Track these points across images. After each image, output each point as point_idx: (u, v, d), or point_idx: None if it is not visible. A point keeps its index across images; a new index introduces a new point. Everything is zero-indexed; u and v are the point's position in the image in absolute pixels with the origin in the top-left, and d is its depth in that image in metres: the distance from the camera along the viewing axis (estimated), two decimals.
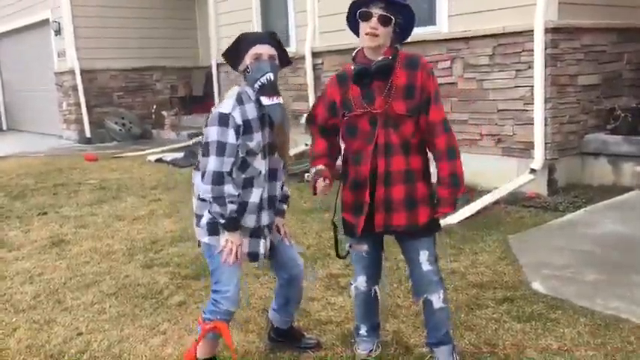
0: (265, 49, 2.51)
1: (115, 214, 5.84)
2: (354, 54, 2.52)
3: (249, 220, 2.58)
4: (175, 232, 5.06)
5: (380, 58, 2.41)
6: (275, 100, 2.47)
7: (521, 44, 5.70)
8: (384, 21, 2.37)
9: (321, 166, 2.59)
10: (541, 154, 5.59)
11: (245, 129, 2.48)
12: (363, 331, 2.79)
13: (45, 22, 12.35)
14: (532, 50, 5.53)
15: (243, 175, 2.54)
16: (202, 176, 2.47)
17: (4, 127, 15.67)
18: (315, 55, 8.05)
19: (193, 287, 3.79)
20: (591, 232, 4.38)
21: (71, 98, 11.96)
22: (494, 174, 5.92)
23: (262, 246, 2.65)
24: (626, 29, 6.15)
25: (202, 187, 2.47)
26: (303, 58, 8.18)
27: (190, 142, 10.14)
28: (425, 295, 2.57)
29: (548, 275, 3.64)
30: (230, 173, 2.47)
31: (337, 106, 2.52)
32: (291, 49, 8.50)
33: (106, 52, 11.80)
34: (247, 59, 2.51)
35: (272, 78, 2.47)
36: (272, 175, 2.63)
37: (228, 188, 2.45)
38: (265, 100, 2.47)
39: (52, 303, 3.67)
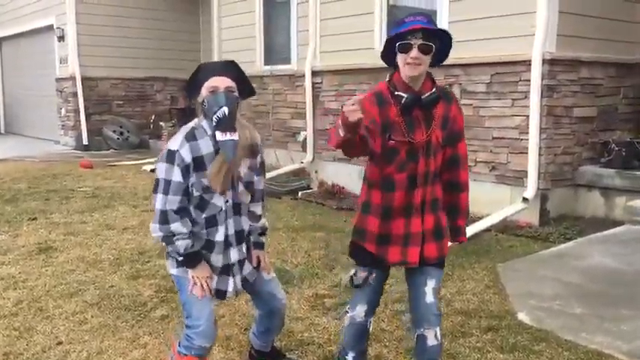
0: (222, 82, 2.40)
1: (105, 223, 5.81)
2: (389, 77, 2.46)
3: (216, 260, 2.51)
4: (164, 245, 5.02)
5: (429, 93, 2.39)
6: (228, 137, 2.36)
7: (519, 74, 5.73)
8: (424, 50, 2.33)
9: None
10: (534, 183, 5.60)
11: (197, 166, 2.39)
12: (350, 357, 2.72)
13: (49, 28, 12.42)
14: (529, 80, 5.57)
15: (204, 215, 2.46)
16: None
17: (3, 131, 15.69)
18: (314, 73, 8.09)
19: (177, 301, 3.75)
20: (580, 265, 4.37)
21: (70, 105, 11.99)
22: (487, 201, 5.91)
23: (231, 284, 2.57)
24: (623, 64, 6.20)
25: (151, 227, 2.43)
26: (302, 76, 8.22)
27: None
28: (422, 330, 2.48)
29: (534, 306, 3.62)
30: (178, 211, 2.39)
31: (375, 125, 2.35)
32: (292, 67, 8.57)
33: (108, 60, 11.86)
34: (204, 91, 2.42)
35: (226, 113, 2.35)
36: (236, 209, 2.53)
37: (175, 227, 2.38)
38: (219, 136, 2.37)
39: (34, 310, 3.64)
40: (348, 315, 2.62)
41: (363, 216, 2.51)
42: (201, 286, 2.46)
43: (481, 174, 6.09)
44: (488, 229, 5.33)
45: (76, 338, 3.26)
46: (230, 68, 2.48)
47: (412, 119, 2.40)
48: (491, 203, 5.83)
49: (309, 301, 3.78)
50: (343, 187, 7.29)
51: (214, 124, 2.37)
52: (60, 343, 3.21)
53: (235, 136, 2.38)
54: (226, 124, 2.36)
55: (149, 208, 6.43)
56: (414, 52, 2.31)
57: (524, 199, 5.58)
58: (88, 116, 11.90)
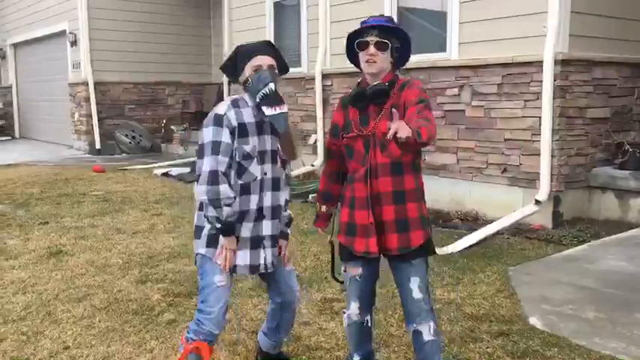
0: (264, 60, 2.52)
1: (115, 227, 5.82)
2: (359, 80, 2.57)
3: (245, 230, 2.55)
4: (173, 248, 5.03)
5: (375, 83, 2.46)
6: (278, 110, 2.46)
7: (530, 74, 5.67)
8: (380, 46, 2.43)
9: (321, 208, 2.73)
10: (547, 185, 5.52)
11: (240, 132, 2.47)
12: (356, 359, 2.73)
13: (62, 34, 12.53)
14: (541, 81, 5.50)
15: (240, 181, 2.51)
16: (198, 179, 2.45)
17: (17, 135, 15.84)
18: (325, 76, 8.07)
19: (185, 305, 3.74)
20: (594, 268, 4.29)
21: (83, 109, 12.08)
22: (499, 203, 5.85)
23: (262, 257, 2.60)
24: (638, 63, 6.10)
25: (198, 190, 2.45)
26: (313, 78, 8.21)
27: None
28: (415, 326, 2.50)
29: (546, 310, 3.55)
30: (226, 174, 2.44)
31: (339, 129, 2.57)
32: (302, 70, 8.55)
33: (120, 64, 11.94)
34: (247, 71, 2.51)
35: (274, 88, 2.47)
36: (274, 184, 2.60)
37: (224, 189, 2.42)
38: (268, 110, 2.45)
39: (42, 315, 3.64)
40: (344, 314, 2.68)
41: (340, 209, 2.61)
42: (226, 257, 2.50)
43: (493, 176, 6.02)
44: (499, 232, 5.26)
45: (83, 343, 3.25)
46: (269, 47, 2.59)
47: (366, 114, 2.47)
48: (503, 206, 5.76)
49: (317, 305, 3.75)
50: None
51: (261, 99, 2.45)
52: (67, 347, 3.20)
53: (285, 108, 2.48)
54: (274, 98, 2.46)
55: (159, 212, 6.44)
56: (371, 49, 2.42)
57: (537, 202, 5.51)
58: (100, 121, 11.98)
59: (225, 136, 2.44)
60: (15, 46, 15.52)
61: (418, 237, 2.45)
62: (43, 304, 3.81)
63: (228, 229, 2.48)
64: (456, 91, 6.31)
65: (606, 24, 5.82)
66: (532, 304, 3.66)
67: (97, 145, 11.95)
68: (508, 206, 5.72)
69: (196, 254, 2.61)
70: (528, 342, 3.16)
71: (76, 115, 12.44)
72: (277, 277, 2.72)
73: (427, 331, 2.48)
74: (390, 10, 7.08)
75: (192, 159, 10.22)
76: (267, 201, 2.58)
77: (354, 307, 2.62)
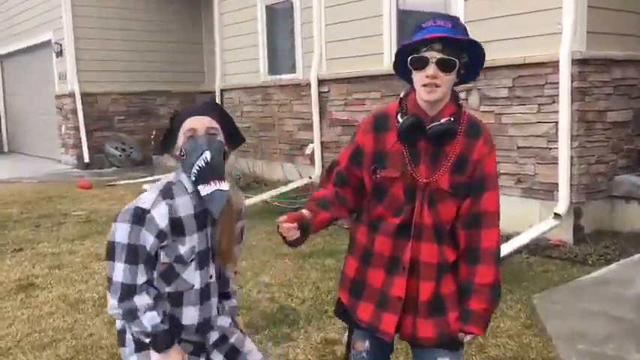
0: (202, 122, 1.90)
1: (95, 253, 5.32)
2: (402, 94, 1.92)
3: (187, 336, 1.96)
4: None
5: (442, 121, 1.81)
6: (214, 186, 1.85)
7: (545, 76, 5.19)
8: (445, 66, 1.77)
9: (284, 217, 1.92)
10: (566, 196, 5.04)
11: (174, 230, 1.87)
12: None
13: (47, 44, 12.06)
14: (557, 83, 5.02)
15: (168, 289, 1.91)
16: (108, 286, 1.86)
17: (6, 150, 15.36)
18: (321, 82, 7.59)
19: None
20: (629, 293, 3.80)
21: (70, 122, 11.59)
22: (512, 217, 5.33)
23: None
24: None
25: (109, 301, 1.86)
26: (308, 85, 7.74)
27: None
28: None
29: (583, 351, 3.06)
30: (146, 283, 1.85)
31: (365, 156, 1.92)
32: (297, 76, 8.09)
33: (107, 75, 11.45)
34: (180, 140, 1.92)
35: (208, 158, 1.85)
36: (218, 286, 2.03)
37: (140, 299, 1.83)
38: (203, 189, 1.86)
39: None
40: None
41: (346, 255, 2.05)
42: None
43: (505, 187, 5.53)
44: (517, 251, 4.77)
45: None
46: (211, 108, 1.99)
47: (416, 152, 1.85)
48: (518, 220, 5.27)
49: (316, 349, 3.25)
50: None
51: (195, 175, 1.86)
52: None
53: (224, 186, 1.87)
54: (212, 172, 1.86)
55: None
56: (432, 70, 1.76)
57: (556, 215, 5.02)
58: (88, 133, 11.47)
59: (146, 240, 1.83)
60: (1, 57, 15.05)
61: (456, 321, 1.89)
62: (2, 354, 3.31)
63: (161, 340, 1.85)
64: (462, 95, 5.83)
65: (625, 19, 5.36)
66: (566, 342, 3.16)
67: (86, 159, 11.45)
68: (523, 219, 5.24)
69: None
70: None
71: (64, 128, 11.95)
72: None
73: None
74: (388, 9, 6.62)
75: None
76: (215, 310, 2.00)
77: None
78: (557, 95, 5.03)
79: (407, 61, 1.81)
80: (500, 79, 5.51)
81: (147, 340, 1.86)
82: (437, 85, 1.77)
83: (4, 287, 4.45)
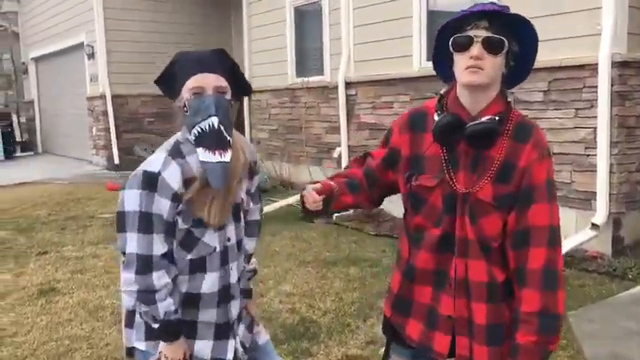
0: (209, 80, 1.73)
1: (119, 256, 5.28)
2: (443, 91, 1.73)
3: (207, 315, 1.84)
4: None
5: (483, 119, 1.58)
6: (217, 157, 1.71)
7: (582, 79, 4.94)
8: (491, 46, 1.55)
9: (318, 185, 1.78)
10: (604, 206, 4.78)
11: (188, 190, 1.74)
12: None
13: (80, 46, 12.19)
14: (596, 87, 4.78)
15: (190, 256, 1.78)
16: (123, 261, 1.75)
17: (40, 150, 15.63)
18: (348, 85, 7.44)
19: None
20: None
21: (101, 123, 11.69)
22: None
23: (231, 350, 1.89)
24: None
25: (123, 277, 1.73)
26: (336, 87, 7.60)
27: None
28: None
29: None
30: (165, 255, 1.73)
31: (402, 161, 1.75)
32: (325, 78, 7.96)
33: (138, 77, 11.47)
34: (184, 93, 1.75)
35: (215, 124, 1.70)
36: (239, 249, 1.91)
37: (159, 278, 1.70)
38: (204, 155, 1.72)
39: None
40: None
41: (393, 267, 1.88)
42: None
43: None
44: None
45: None
46: (219, 60, 1.80)
47: (454, 156, 1.65)
48: None
49: None
50: (382, 209, 6.60)
51: (196, 136, 1.72)
52: None
53: (227, 157, 1.73)
54: (216, 139, 1.72)
55: None
56: (476, 50, 1.55)
57: (594, 226, 4.77)
58: (118, 135, 11.56)
59: (160, 206, 1.69)
60: (36, 60, 15.32)
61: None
62: None
63: (170, 330, 1.74)
64: None
65: None
66: None
67: (116, 161, 11.52)
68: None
69: (130, 348, 1.88)
70: None
71: (95, 130, 12.07)
72: (252, 357, 2.00)
73: None
74: (418, 10, 6.43)
75: None
76: (234, 276, 1.87)
77: None
78: (596, 99, 4.78)
79: (448, 47, 1.61)
80: (534, 82, 5.27)
81: (155, 326, 1.75)
82: (480, 67, 1.55)
83: (26, 292, 4.43)
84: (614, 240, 4.84)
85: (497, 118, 1.59)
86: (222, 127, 1.72)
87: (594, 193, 4.85)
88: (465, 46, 1.57)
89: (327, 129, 8.03)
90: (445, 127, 1.60)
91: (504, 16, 1.58)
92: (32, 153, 15.35)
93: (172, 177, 1.70)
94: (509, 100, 1.66)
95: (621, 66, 4.75)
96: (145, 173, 1.70)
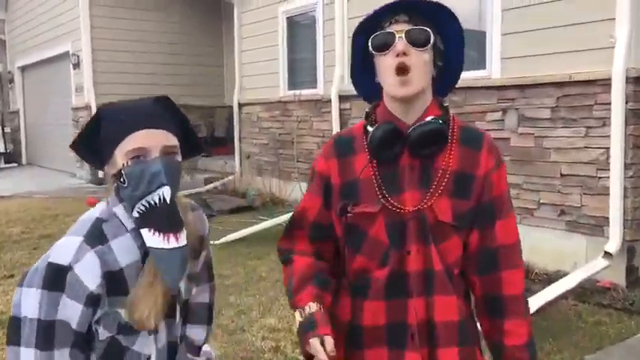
0: (156, 138, 1.28)
1: None
2: (368, 109, 1.47)
3: None
4: None
5: (428, 119, 1.35)
6: (171, 243, 1.26)
7: (594, 96, 4.60)
8: (416, 38, 1.33)
9: (311, 307, 1.35)
10: (618, 233, 4.41)
11: (111, 289, 1.27)
12: None
13: (66, 55, 11.83)
14: (608, 103, 4.43)
15: None
16: None
17: (24, 162, 15.19)
18: (342, 98, 7.09)
19: None
20: None
21: None
22: (554, 254, 4.76)
23: None
24: None
25: None
26: (329, 101, 7.25)
27: (203, 189, 9.22)
28: None
29: None
30: None
31: (333, 191, 1.44)
32: (318, 91, 7.60)
33: (124, 87, 11.08)
34: (119, 158, 1.29)
35: (167, 197, 1.25)
36: (173, 351, 1.44)
37: None
38: (152, 240, 1.27)
39: None
40: None
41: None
42: None
43: (547, 219, 4.93)
44: (563, 296, 4.15)
45: None
46: (166, 112, 1.35)
47: (395, 174, 1.37)
48: (560, 257, 4.68)
49: None
50: None
51: (140, 213, 1.27)
52: None
53: (183, 240, 1.29)
54: (167, 218, 1.27)
55: None
56: (401, 45, 1.32)
57: (606, 254, 4.40)
58: None
59: (68, 312, 1.22)
60: (22, 69, 14.93)
61: None
62: None
63: None
64: (498, 115, 5.26)
65: None
66: None
67: (100, 174, 11.09)
68: (566, 256, 4.64)
69: None
70: None
71: None
72: None
73: None
74: None
75: (196, 190, 9.30)
76: None
77: None
78: (609, 117, 4.43)
79: (366, 54, 1.40)
80: (542, 97, 4.93)
81: None
82: (408, 72, 1.31)
83: None
84: (628, 270, 4.47)
85: (439, 120, 1.36)
86: (174, 201, 1.29)
87: (607, 219, 4.49)
88: (386, 44, 1.34)
89: (319, 144, 7.66)
90: (384, 136, 1.35)
91: (422, 7, 1.36)
92: (16, 165, 14.91)
93: (88, 272, 1.24)
94: (445, 104, 1.44)
95: (636, 81, 4.41)
96: (50, 266, 1.24)
